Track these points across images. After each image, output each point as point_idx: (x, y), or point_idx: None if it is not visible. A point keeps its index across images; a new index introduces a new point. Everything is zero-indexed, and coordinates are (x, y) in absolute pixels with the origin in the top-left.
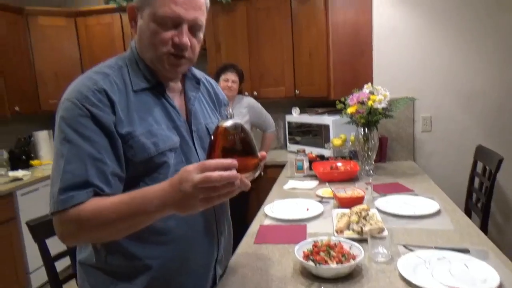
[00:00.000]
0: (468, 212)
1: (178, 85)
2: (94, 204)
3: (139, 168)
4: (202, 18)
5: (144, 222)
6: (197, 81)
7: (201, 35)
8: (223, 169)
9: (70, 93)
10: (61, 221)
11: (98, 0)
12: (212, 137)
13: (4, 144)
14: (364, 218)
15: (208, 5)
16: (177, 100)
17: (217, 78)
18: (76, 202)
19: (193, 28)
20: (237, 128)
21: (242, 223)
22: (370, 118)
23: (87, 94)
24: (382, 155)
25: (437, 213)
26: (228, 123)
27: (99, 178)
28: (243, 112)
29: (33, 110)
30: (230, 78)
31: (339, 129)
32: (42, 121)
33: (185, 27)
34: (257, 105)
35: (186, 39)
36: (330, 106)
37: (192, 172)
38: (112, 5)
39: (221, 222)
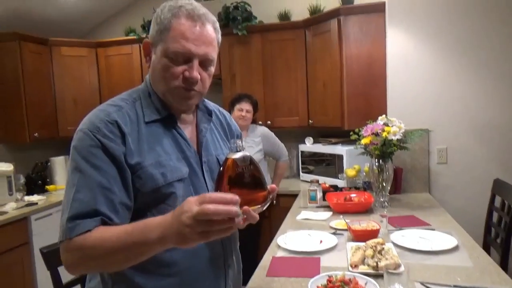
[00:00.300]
0: (486, 247)
1: (190, 117)
2: (99, 232)
3: (147, 198)
4: (213, 53)
5: (145, 253)
6: (209, 113)
7: (212, 69)
8: (223, 203)
9: (83, 124)
10: (67, 248)
11: (119, 32)
12: (221, 168)
13: (21, 169)
14: (380, 252)
15: (220, 40)
16: (188, 132)
17: (231, 108)
18: (83, 230)
19: (204, 63)
20: (246, 160)
21: (254, 254)
22: (384, 150)
23: (99, 125)
24: (396, 187)
25: (455, 248)
26: (237, 155)
27: (108, 207)
28: (256, 141)
29: (51, 136)
30: (245, 107)
31: (353, 159)
32: (59, 147)
33: (195, 62)
34: (271, 134)
35: (196, 73)
36: (343, 136)
37: (193, 203)
38: (132, 37)
39: (228, 255)
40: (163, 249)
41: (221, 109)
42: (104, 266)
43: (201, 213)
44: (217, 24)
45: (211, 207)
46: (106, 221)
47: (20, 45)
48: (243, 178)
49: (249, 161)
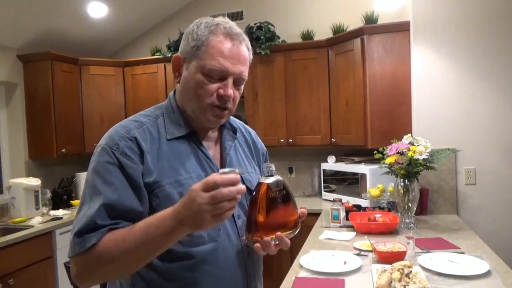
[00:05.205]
0: None
1: (214, 134)
2: (110, 237)
3: None
4: (246, 72)
5: (161, 246)
6: (234, 130)
7: (242, 87)
8: (231, 185)
9: (104, 139)
10: (80, 261)
11: (145, 52)
12: (254, 193)
13: (48, 184)
14: (407, 275)
15: (251, 58)
16: (212, 150)
17: None
18: (90, 244)
19: (237, 81)
20: (279, 185)
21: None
22: (410, 169)
23: (118, 141)
24: (422, 208)
25: (487, 273)
26: (270, 180)
27: (110, 219)
28: None
29: (78, 152)
30: None
31: (376, 179)
32: (85, 162)
33: (230, 80)
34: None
35: (230, 91)
36: (366, 155)
37: (199, 191)
38: (158, 56)
39: (251, 279)
40: (178, 239)
41: (246, 126)
42: (120, 269)
43: (215, 197)
44: (249, 44)
45: (225, 190)
46: (114, 228)
47: (52, 65)
48: (276, 203)
49: (282, 186)
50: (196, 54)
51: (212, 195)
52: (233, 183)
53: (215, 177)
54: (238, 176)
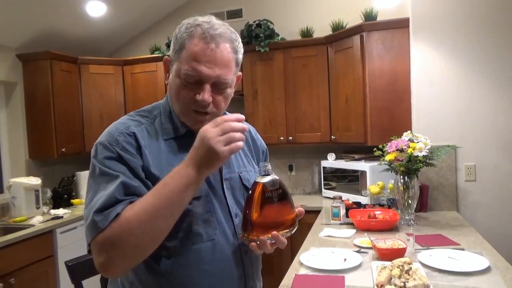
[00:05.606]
0: None
1: None
2: (132, 206)
3: None
4: (228, 75)
5: (183, 200)
6: None
7: (228, 91)
8: (236, 121)
9: (103, 136)
10: (104, 241)
11: (145, 50)
12: (250, 192)
13: (48, 183)
14: (407, 272)
15: (240, 59)
16: None
17: None
18: (114, 214)
19: (217, 85)
20: (275, 184)
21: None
22: (410, 166)
23: (117, 137)
24: (422, 204)
25: (487, 270)
26: (266, 179)
27: (126, 195)
28: None
29: (78, 151)
30: None
31: (376, 176)
32: (85, 161)
33: (207, 85)
34: None
35: (206, 96)
36: (366, 152)
37: (209, 127)
38: (157, 55)
39: (249, 278)
40: (199, 184)
41: (245, 123)
42: (150, 236)
43: (224, 128)
44: (237, 43)
45: (233, 123)
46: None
47: (52, 64)
48: (272, 202)
49: (278, 185)
50: (177, 57)
51: (221, 127)
52: (239, 120)
53: (223, 116)
54: (243, 116)
